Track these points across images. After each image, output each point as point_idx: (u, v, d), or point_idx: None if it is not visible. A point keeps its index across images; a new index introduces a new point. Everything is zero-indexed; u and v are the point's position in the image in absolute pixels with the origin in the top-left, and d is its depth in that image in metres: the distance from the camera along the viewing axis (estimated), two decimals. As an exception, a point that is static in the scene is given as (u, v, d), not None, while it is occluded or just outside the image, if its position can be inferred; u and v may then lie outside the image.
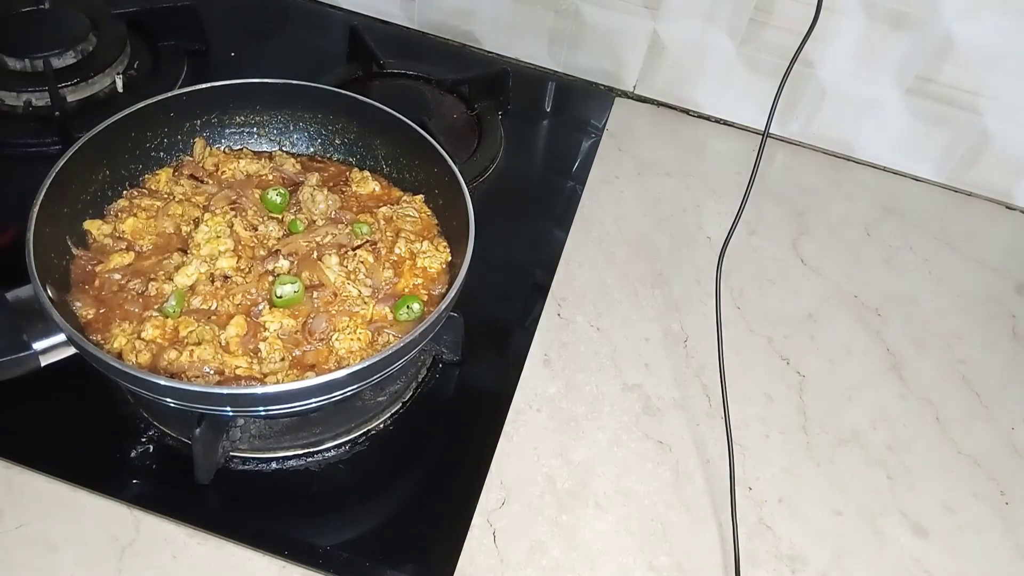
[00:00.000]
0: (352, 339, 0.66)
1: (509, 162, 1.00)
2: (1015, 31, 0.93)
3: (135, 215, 0.72)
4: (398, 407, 0.75)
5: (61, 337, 0.59)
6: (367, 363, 0.60)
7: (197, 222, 0.72)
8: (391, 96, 0.90)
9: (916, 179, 1.09)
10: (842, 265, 0.96)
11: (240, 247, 0.71)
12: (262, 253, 0.71)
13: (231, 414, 0.63)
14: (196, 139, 0.79)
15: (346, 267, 0.71)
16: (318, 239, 0.73)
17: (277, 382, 0.63)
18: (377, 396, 0.73)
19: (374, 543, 0.66)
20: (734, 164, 1.06)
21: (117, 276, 0.68)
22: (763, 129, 0.80)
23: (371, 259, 0.71)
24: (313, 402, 0.61)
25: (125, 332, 0.64)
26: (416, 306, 0.70)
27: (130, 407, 0.70)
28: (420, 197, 0.78)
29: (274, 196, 0.75)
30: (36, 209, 0.63)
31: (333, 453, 0.71)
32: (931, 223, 1.04)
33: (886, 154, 1.09)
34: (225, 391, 0.60)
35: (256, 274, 0.69)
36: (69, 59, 0.93)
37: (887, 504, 0.76)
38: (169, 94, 0.76)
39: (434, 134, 0.76)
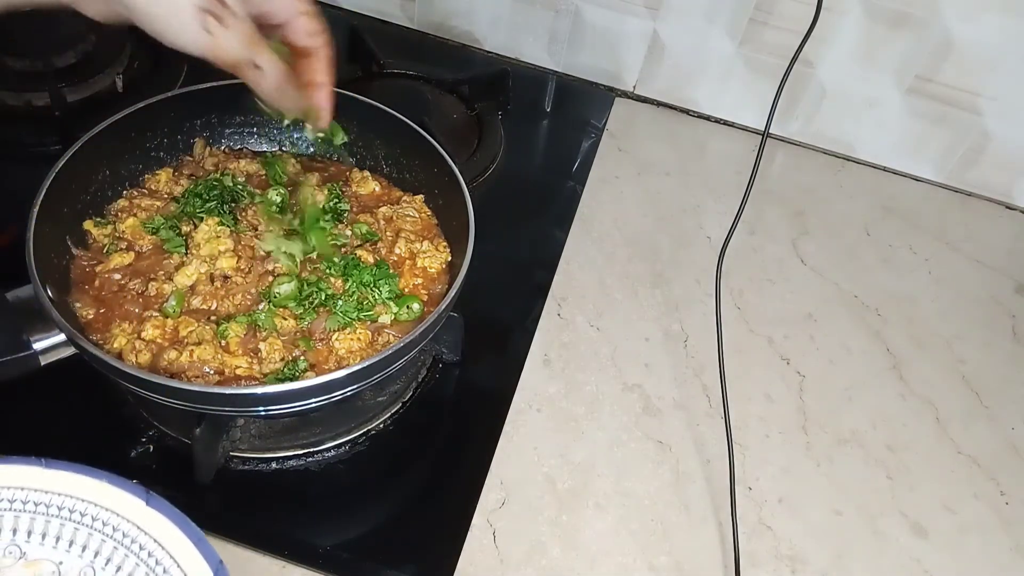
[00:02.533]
0: (352, 339, 0.66)
1: (509, 162, 1.00)
2: (1015, 31, 0.93)
3: (135, 215, 0.72)
4: (398, 407, 0.75)
5: (61, 337, 0.59)
6: (367, 363, 0.60)
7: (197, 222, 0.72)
8: (391, 96, 0.90)
9: (916, 179, 1.09)
10: (842, 265, 0.96)
11: (240, 247, 0.71)
12: (262, 253, 0.71)
13: (231, 414, 0.63)
14: (196, 139, 0.79)
15: (346, 267, 0.71)
16: (318, 239, 0.73)
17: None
18: (377, 396, 0.73)
19: (374, 543, 0.67)
20: (734, 164, 1.06)
21: (117, 276, 0.68)
22: (763, 129, 0.80)
23: (371, 259, 0.71)
24: (313, 402, 0.61)
25: (125, 332, 0.64)
26: (416, 306, 0.70)
27: (130, 407, 0.70)
28: (420, 197, 0.78)
29: (274, 196, 0.75)
30: (36, 209, 0.63)
31: (333, 453, 0.71)
32: (931, 223, 1.04)
33: (886, 154, 1.09)
34: (225, 391, 0.60)
35: (256, 274, 0.69)
36: (69, 59, 0.93)
37: (887, 504, 0.76)
38: (169, 94, 0.75)
39: (434, 134, 0.76)
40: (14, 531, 0.44)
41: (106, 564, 0.44)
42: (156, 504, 0.45)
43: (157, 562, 0.44)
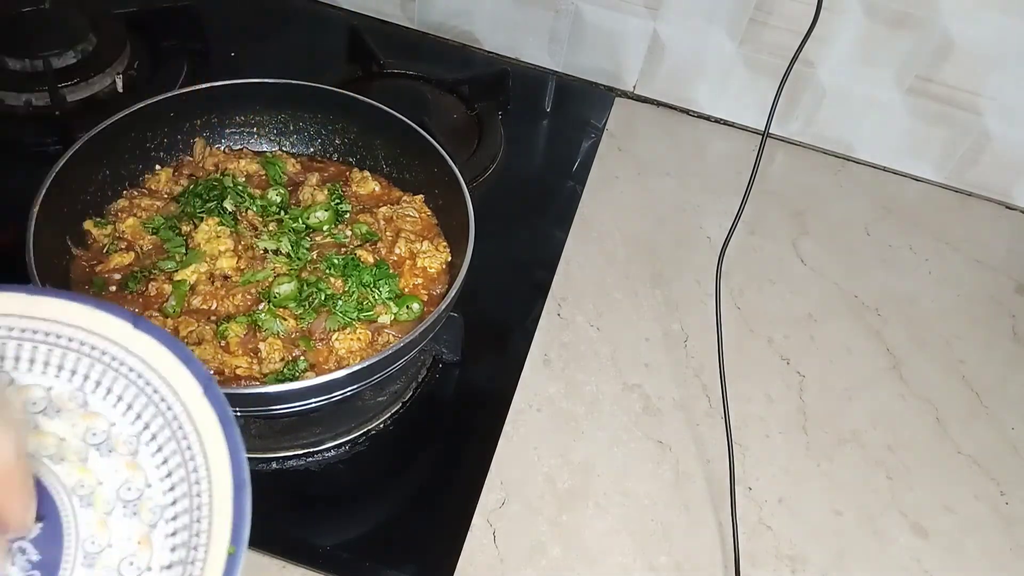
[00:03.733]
0: (352, 339, 0.66)
1: (509, 162, 1.00)
2: (1015, 31, 0.94)
3: (135, 215, 0.72)
4: (398, 407, 0.75)
5: (61, 337, 0.59)
6: (367, 363, 0.60)
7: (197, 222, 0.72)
8: (391, 96, 0.90)
9: (916, 179, 1.09)
10: (842, 265, 0.96)
11: (240, 247, 0.71)
12: (262, 253, 0.71)
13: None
14: (196, 139, 0.79)
15: (346, 267, 0.71)
16: (318, 239, 0.73)
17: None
18: (377, 396, 0.73)
19: (374, 543, 0.66)
20: (734, 164, 1.06)
21: (117, 276, 0.68)
22: (763, 129, 0.80)
23: (371, 259, 0.71)
24: (313, 402, 0.61)
25: (125, 332, 0.64)
26: (416, 306, 0.70)
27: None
28: (420, 197, 0.78)
29: (274, 196, 0.75)
30: (36, 209, 0.63)
31: (333, 453, 0.71)
32: (931, 223, 1.04)
33: (886, 154, 1.09)
34: (225, 391, 0.60)
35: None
36: (69, 59, 0.93)
37: (887, 504, 0.76)
38: (169, 94, 0.76)
39: (434, 134, 0.76)
40: (1, 358, 0.43)
41: (96, 387, 0.44)
42: (144, 326, 0.45)
43: (147, 383, 0.44)
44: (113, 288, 0.67)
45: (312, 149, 0.83)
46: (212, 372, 0.63)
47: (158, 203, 0.73)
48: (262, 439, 0.70)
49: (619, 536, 0.70)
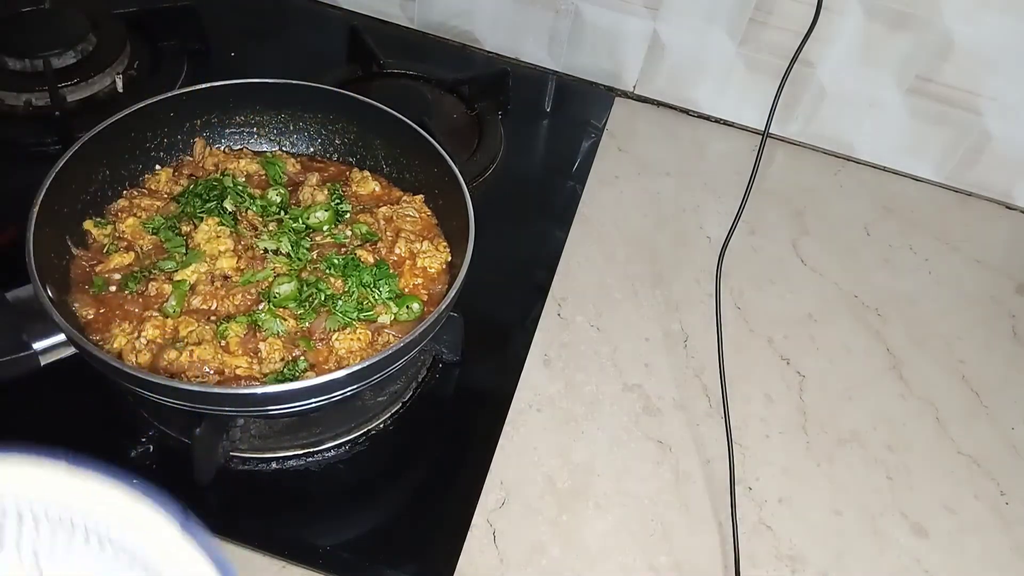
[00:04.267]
0: (352, 339, 0.66)
1: (509, 162, 1.00)
2: (1015, 31, 0.93)
3: (135, 215, 0.72)
4: (398, 407, 0.75)
5: (61, 337, 0.59)
6: (367, 363, 0.60)
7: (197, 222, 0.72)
8: (391, 96, 0.90)
9: (916, 179, 1.09)
10: (842, 265, 0.96)
11: (240, 247, 0.71)
12: (262, 253, 0.71)
13: (231, 414, 0.63)
14: (196, 139, 0.79)
15: (346, 267, 0.71)
16: (318, 239, 0.73)
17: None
18: (377, 396, 0.73)
19: (374, 543, 0.67)
20: (734, 164, 1.06)
21: (117, 276, 0.68)
22: (763, 129, 0.80)
23: (371, 259, 0.71)
24: (313, 402, 0.61)
25: (125, 332, 0.64)
26: (416, 306, 0.70)
27: (130, 407, 0.70)
28: (420, 197, 0.78)
29: (274, 196, 0.75)
30: (36, 209, 0.63)
31: (333, 453, 0.71)
32: (931, 223, 1.04)
33: (886, 154, 1.09)
34: (225, 391, 0.60)
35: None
36: (69, 59, 0.93)
37: (887, 504, 0.76)
38: (169, 94, 0.76)
39: (434, 134, 0.76)
40: (35, 554, 0.39)
41: None
42: (192, 531, 0.41)
43: None
44: (113, 288, 0.67)
45: (312, 149, 0.83)
46: (212, 372, 0.63)
47: (158, 203, 0.73)
48: (262, 439, 0.69)
49: (619, 536, 0.70)
